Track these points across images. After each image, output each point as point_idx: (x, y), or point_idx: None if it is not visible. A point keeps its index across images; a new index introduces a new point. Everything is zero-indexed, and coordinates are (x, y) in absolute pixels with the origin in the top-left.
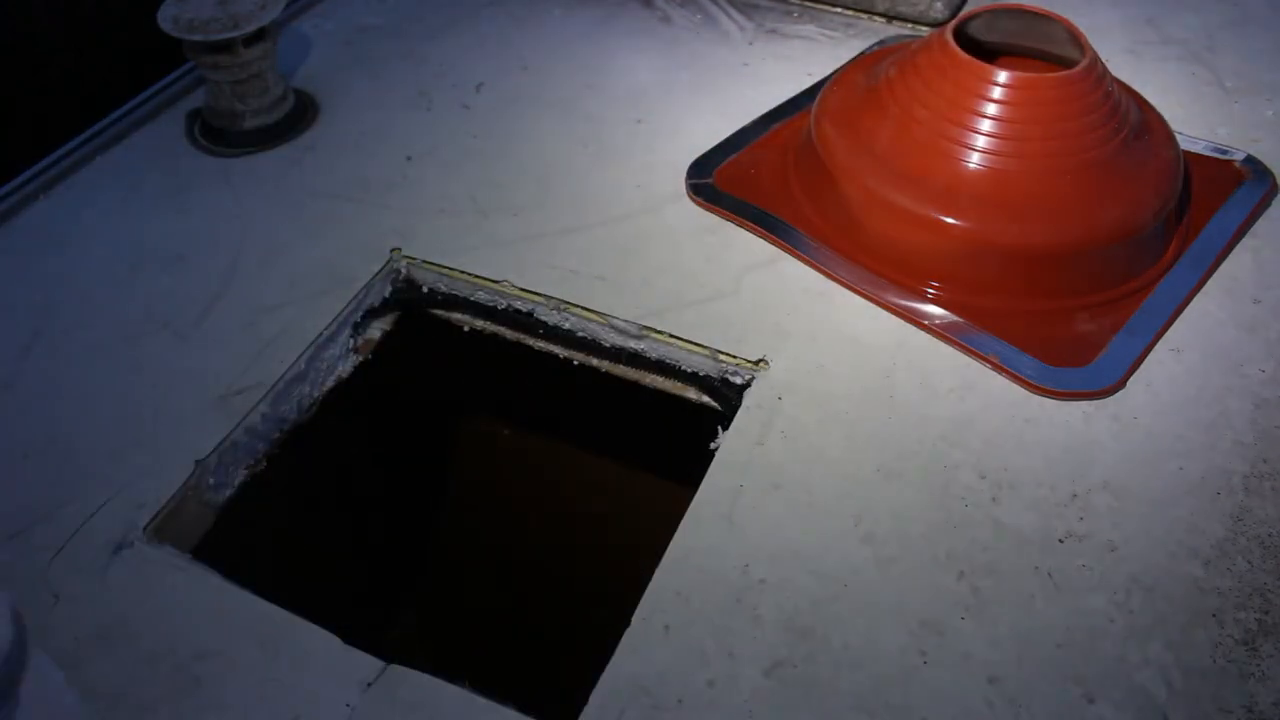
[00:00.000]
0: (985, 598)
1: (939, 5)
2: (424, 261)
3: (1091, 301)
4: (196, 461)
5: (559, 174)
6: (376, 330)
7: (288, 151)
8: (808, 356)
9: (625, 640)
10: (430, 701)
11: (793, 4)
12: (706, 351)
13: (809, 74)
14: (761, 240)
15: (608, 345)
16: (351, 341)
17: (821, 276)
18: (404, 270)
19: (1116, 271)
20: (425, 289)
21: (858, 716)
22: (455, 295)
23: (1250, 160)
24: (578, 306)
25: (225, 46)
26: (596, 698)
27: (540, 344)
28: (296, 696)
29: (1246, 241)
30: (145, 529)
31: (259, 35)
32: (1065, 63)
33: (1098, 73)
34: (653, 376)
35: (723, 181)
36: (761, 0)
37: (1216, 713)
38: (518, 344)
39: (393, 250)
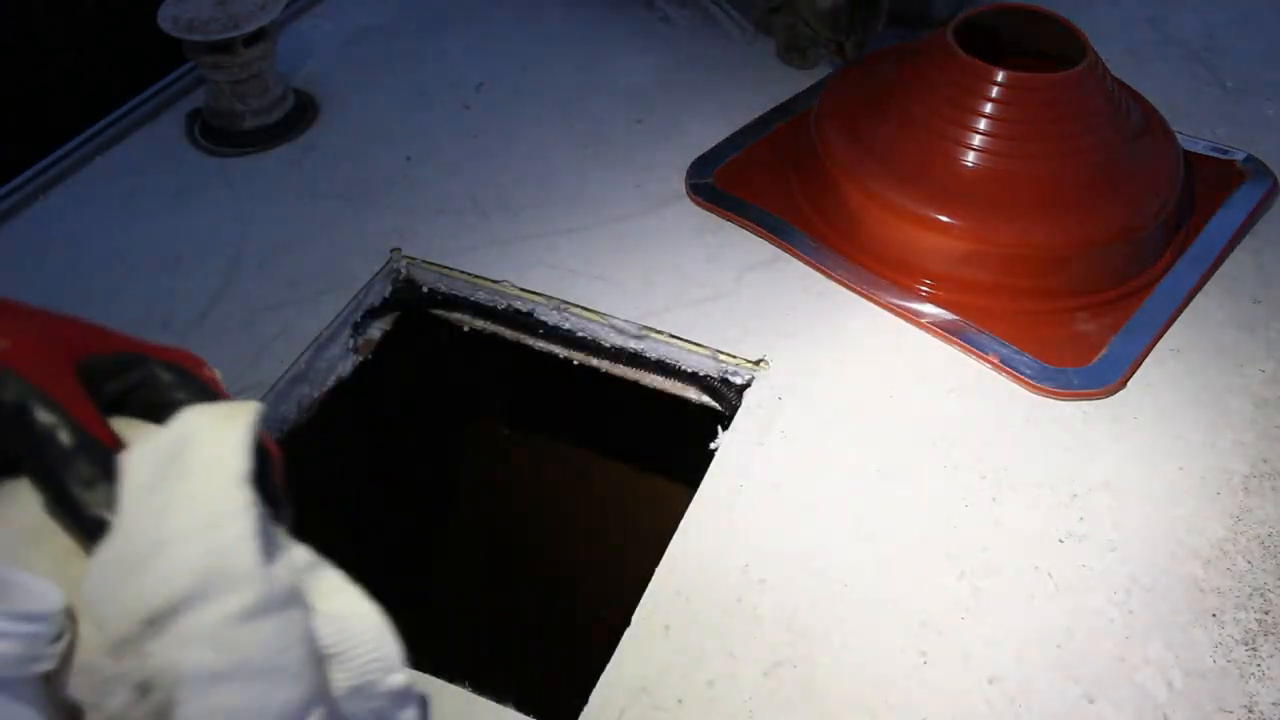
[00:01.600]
0: (985, 598)
1: (939, 5)
2: (424, 261)
3: (1091, 301)
4: None
5: (559, 174)
6: (376, 330)
7: (288, 151)
8: (808, 356)
9: (625, 640)
10: (430, 701)
11: None
12: (706, 351)
13: (809, 74)
14: (761, 240)
15: (608, 345)
16: (351, 341)
17: (821, 276)
18: (404, 270)
19: (1116, 271)
20: (425, 289)
21: (858, 716)
22: (455, 295)
23: (1250, 160)
24: (578, 306)
25: (225, 46)
26: (596, 698)
27: (540, 344)
28: None
29: (1246, 241)
30: None
31: (259, 35)
32: (1065, 63)
33: (1098, 73)
34: (653, 376)
35: (723, 181)
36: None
37: (1216, 713)
38: (518, 344)
39: (393, 250)
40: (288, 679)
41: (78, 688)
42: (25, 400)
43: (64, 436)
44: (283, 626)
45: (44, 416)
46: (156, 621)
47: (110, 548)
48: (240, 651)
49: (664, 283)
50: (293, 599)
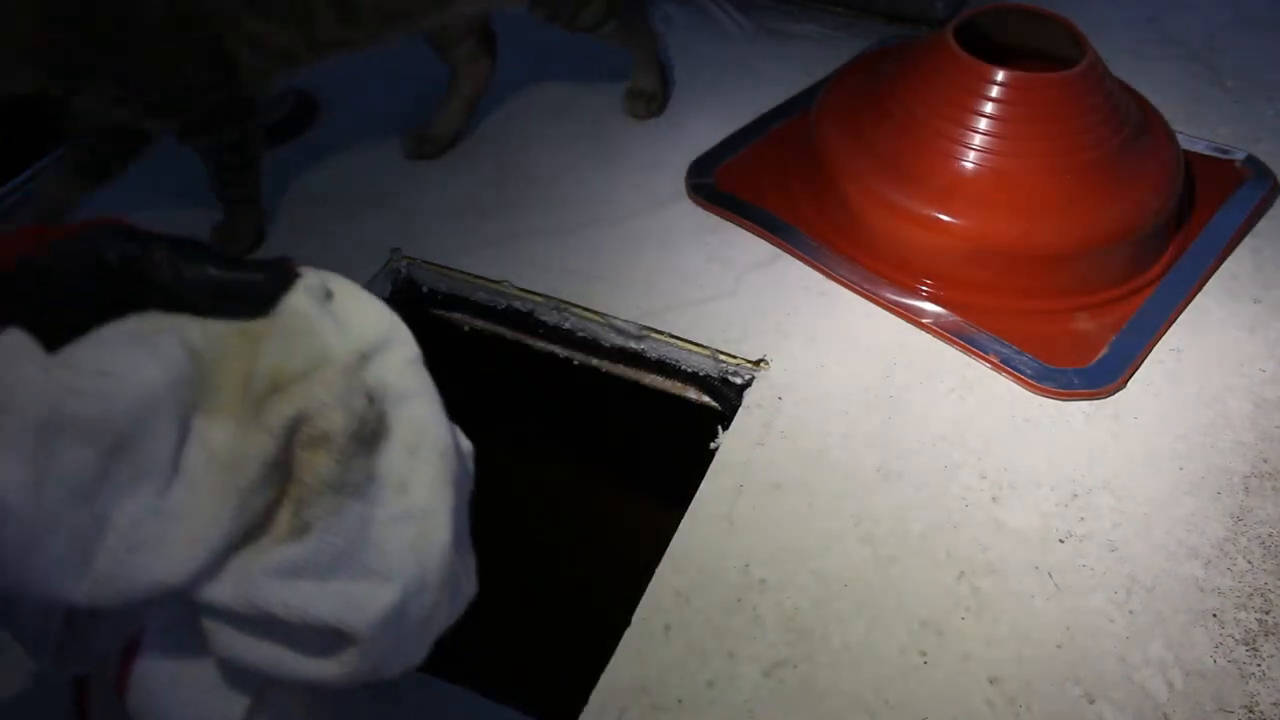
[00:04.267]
0: (985, 598)
1: (939, 5)
2: (424, 261)
3: (1091, 301)
4: None
5: (559, 174)
6: None
7: (288, 152)
8: (808, 356)
9: (625, 640)
10: (430, 701)
11: (793, 4)
12: (707, 351)
13: (809, 74)
14: (761, 240)
15: (608, 345)
16: None
17: (821, 276)
18: (404, 270)
19: (1116, 271)
20: (425, 289)
21: (858, 716)
22: (455, 295)
23: (1250, 160)
24: (578, 306)
25: None
26: (596, 698)
27: (540, 344)
28: None
29: (1247, 241)
30: None
31: None
32: (1065, 63)
33: (1098, 73)
34: (653, 376)
35: (723, 181)
36: (761, 0)
37: (1217, 713)
38: (518, 344)
39: (393, 250)
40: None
41: (325, 397)
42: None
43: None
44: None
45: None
46: (367, 355)
47: (325, 329)
48: (420, 381)
49: (664, 283)
50: None
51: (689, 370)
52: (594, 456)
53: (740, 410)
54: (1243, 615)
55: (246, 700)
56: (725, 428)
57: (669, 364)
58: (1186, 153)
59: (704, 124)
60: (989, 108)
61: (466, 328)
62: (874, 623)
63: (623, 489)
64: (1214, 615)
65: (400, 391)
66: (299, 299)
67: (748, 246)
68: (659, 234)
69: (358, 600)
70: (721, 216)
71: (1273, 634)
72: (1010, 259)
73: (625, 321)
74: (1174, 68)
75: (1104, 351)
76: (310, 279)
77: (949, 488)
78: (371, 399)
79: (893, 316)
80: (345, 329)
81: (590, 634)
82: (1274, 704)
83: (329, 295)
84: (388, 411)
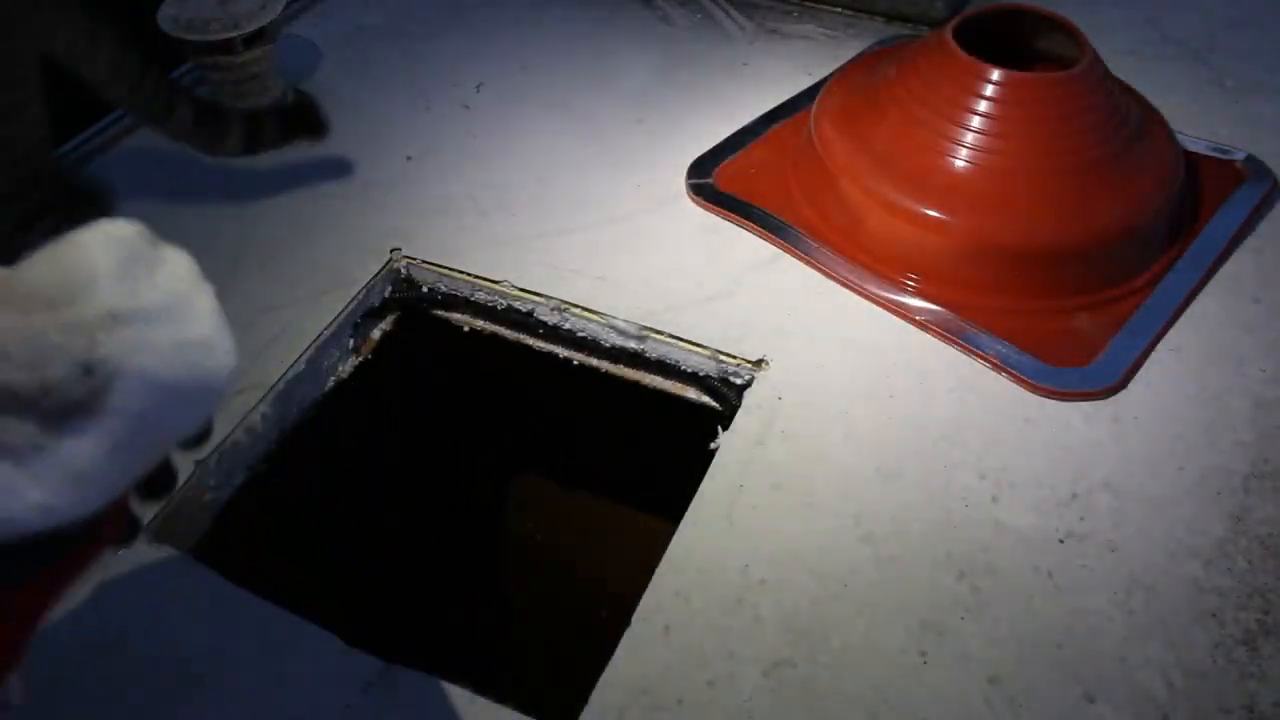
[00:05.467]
0: (985, 598)
1: (939, 5)
2: (424, 261)
3: (1091, 301)
4: (196, 462)
5: (559, 174)
6: (377, 330)
7: (288, 151)
8: (808, 356)
9: (625, 640)
10: (430, 701)
11: (793, 4)
12: (707, 352)
13: (809, 74)
14: (761, 240)
15: (608, 345)
16: (351, 342)
17: (821, 276)
18: (404, 270)
19: (1116, 271)
20: (425, 289)
21: (858, 716)
22: (455, 295)
23: (1250, 160)
24: (578, 306)
25: (225, 46)
26: (596, 698)
27: (540, 344)
28: (296, 696)
29: (1247, 241)
30: (145, 529)
31: (259, 35)
32: (1065, 63)
33: (1098, 73)
34: (653, 377)
35: (723, 181)
36: (761, 0)
37: (1217, 713)
38: (518, 344)
39: (393, 250)
40: (206, 403)
41: (13, 351)
42: None
43: None
44: (210, 361)
45: None
46: (121, 319)
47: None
48: (178, 373)
49: (664, 283)
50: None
51: (689, 370)
52: (594, 457)
53: (740, 410)
54: (1243, 615)
55: None
56: (725, 428)
57: (669, 364)
58: (1186, 153)
59: (704, 124)
60: (989, 108)
61: (466, 328)
62: (874, 623)
63: (623, 490)
64: (1214, 615)
65: (141, 374)
66: (93, 236)
67: (748, 246)
68: (659, 234)
69: None
70: (721, 216)
71: (1273, 634)
72: (1010, 259)
73: (625, 321)
74: (1174, 68)
75: (1104, 351)
76: (130, 230)
77: (949, 488)
78: (90, 370)
79: (892, 316)
80: (131, 283)
81: (590, 634)
82: (1274, 704)
83: (151, 253)
84: (114, 388)
